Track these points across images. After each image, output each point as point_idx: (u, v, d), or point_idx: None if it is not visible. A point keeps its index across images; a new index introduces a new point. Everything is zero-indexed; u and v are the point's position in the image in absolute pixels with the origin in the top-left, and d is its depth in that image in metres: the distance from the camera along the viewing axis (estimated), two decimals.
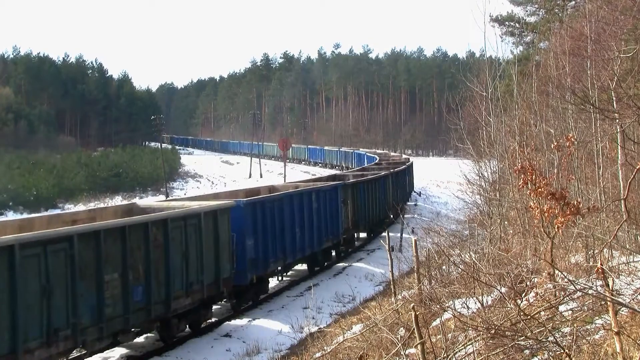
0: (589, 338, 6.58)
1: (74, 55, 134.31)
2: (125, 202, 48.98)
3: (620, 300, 6.13)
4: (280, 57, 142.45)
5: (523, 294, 8.11)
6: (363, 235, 28.38)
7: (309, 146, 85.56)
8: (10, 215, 43.35)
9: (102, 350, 12.65)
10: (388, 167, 38.99)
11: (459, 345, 6.84)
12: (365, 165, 48.62)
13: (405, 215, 28.57)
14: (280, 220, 18.42)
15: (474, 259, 11.60)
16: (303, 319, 15.30)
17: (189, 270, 13.80)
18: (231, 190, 25.96)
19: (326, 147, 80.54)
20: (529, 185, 8.65)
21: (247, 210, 16.59)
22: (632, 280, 8.23)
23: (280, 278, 20.25)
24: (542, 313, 6.84)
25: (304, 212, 20.07)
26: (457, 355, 6.61)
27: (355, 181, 26.57)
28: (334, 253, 23.63)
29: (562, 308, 7.23)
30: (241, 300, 16.85)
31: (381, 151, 76.97)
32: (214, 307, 16.15)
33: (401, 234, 23.12)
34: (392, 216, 27.62)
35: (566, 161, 10.90)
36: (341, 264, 23.35)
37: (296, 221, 19.43)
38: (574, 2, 30.58)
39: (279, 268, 19.31)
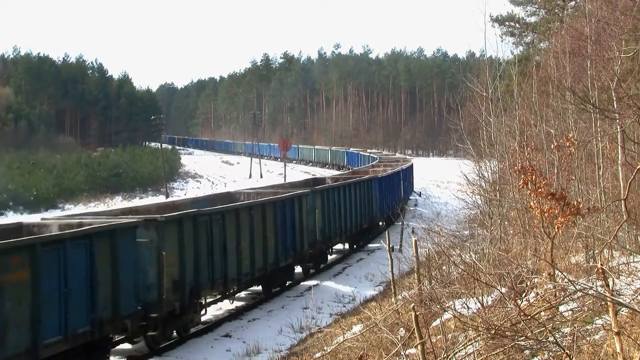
0: (589, 338, 6.58)
1: (74, 55, 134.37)
2: (126, 202, 49.06)
3: (620, 300, 6.12)
4: (280, 57, 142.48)
5: (523, 294, 8.11)
6: None
7: (350, 149, 73.74)
8: (10, 216, 43.32)
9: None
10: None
11: (459, 345, 6.84)
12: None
13: (405, 216, 28.55)
14: None
15: (474, 259, 11.61)
16: (303, 318, 15.32)
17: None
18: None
19: (371, 151, 69.03)
20: (529, 185, 8.64)
21: None
22: (632, 281, 8.22)
23: None
24: (542, 313, 6.83)
25: None
26: (457, 356, 6.60)
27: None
28: None
29: (562, 308, 7.23)
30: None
31: (379, 151, 76.73)
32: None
33: (401, 234, 23.12)
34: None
35: (566, 161, 10.88)
36: None
37: None
38: (574, 2, 30.61)
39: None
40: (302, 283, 20.06)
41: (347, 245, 25.97)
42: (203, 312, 14.94)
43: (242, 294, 18.23)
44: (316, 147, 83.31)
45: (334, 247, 24.15)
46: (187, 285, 13.54)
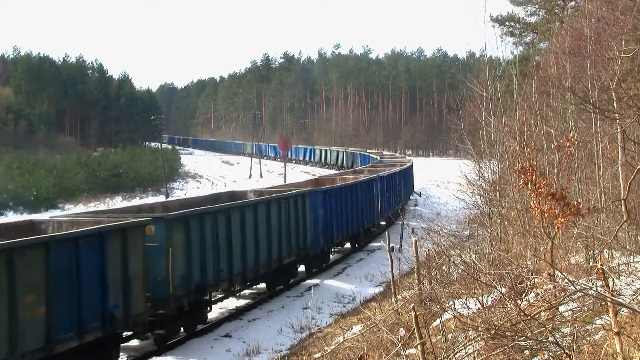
0: (589, 338, 6.58)
1: (74, 55, 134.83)
2: (126, 202, 49.02)
3: (620, 300, 6.12)
4: (280, 57, 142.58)
5: (523, 295, 8.11)
6: None
7: (367, 152, 65.30)
8: (11, 216, 43.28)
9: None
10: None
11: (459, 345, 6.83)
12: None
13: (405, 216, 28.53)
14: None
15: (474, 259, 11.59)
16: (303, 318, 15.32)
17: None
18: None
19: (386, 153, 62.66)
20: (529, 185, 8.64)
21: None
22: (632, 281, 8.22)
23: None
24: (542, 313, 6.83)
25: None
26: (457, 356, 6.60)
27: None
28: None
29: (562, 308, 7.22)
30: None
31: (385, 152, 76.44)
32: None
33: (401, 235, 23.13)
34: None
35: (566, 161, 10.89)
36: None
37: None
38: (574, 2, 30.64)
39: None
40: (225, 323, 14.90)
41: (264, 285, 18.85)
42: None
43: None
44: (332, 148, 79.59)
45: (245, 291, 18.23)
46: None
